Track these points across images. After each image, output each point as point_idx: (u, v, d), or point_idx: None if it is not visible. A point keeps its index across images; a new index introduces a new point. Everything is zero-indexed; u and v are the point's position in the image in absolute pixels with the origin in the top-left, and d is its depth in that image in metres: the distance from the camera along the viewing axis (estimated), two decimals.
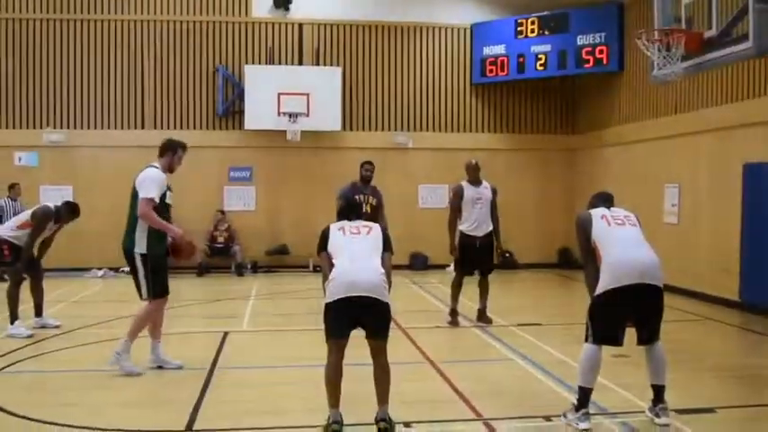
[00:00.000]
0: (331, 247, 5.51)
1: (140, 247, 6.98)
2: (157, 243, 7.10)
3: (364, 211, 9.37)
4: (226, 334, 8.98)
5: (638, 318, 5.56)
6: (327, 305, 5.27)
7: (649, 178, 13.73)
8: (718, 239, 11.64)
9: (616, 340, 5.51)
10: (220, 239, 15.60)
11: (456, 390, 6.52)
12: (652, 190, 13.47)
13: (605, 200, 6.02)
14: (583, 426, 5.40)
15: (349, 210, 5.93)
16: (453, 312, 9.79)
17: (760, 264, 10.34)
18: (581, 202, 16.58)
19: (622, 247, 5.56)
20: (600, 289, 5.52)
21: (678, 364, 7.21)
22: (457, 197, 9.73)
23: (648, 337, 5.58)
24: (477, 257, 9.69)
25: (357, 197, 9.45)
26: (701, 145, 12.21)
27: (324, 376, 5.33)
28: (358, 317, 5.24)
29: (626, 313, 5.52)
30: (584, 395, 5.48)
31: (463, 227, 9.71)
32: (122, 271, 15.34)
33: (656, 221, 12.64)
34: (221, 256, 15.57)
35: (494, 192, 9.84)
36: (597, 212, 5.82)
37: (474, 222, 9.65)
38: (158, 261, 7.13)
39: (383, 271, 5.39)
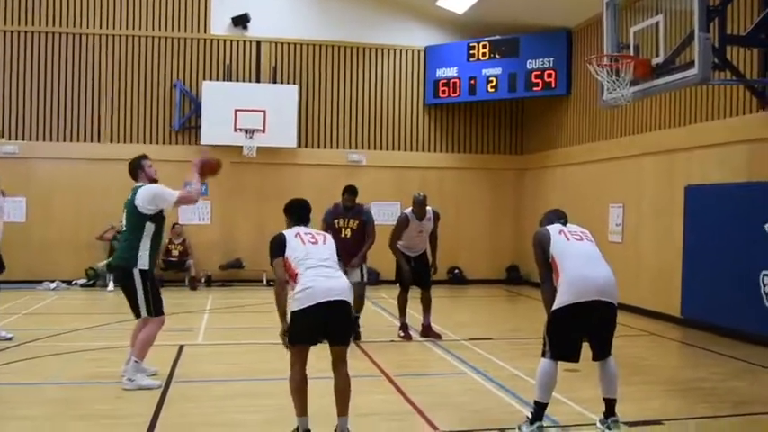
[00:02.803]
0: (291, 252, 5.46)
1: (143, 263, 7.07)
2: (156, 258, 7.30)
3: (342, 235, 9.48)
4: (181, 347, 9.00)
5: (593, 333, 5.71)
6: (302, 311, 5.25)
7: (595, 198, 14.14)
8: (660, 258, 12.06)
9: (573, 356, 5.66)
10: (175, 253, 15.57)
11: (411, 403, 6.64)
12: (597, 209, 13.88)
13: (560, 216, 6.14)
14: None
15: (300, 209, 5.87)
16: (404, 326, 10.01)
17: (700, 281, 10.75)
18: (529, 220, 17.08)
19: (581, 262, 5.65)
20: (558, 304, 5.61)
21: (627, 377, 7.52)
22: (400, 229, 9.93)
23: (603, 352, 5.75)
24: (414, 273, 9.97)
25: (336, 221, 9.64)
26: (645, 167, 12.65)
27: (289, 386, 5.40)
28: (330, 321, 5.31)
29: (583, 329, 5.65)
30: (540, 409, 5.66)
31: (399, 245, 10.00)
32: (75, 283, 15.27)
33: (601, 240, 12.89)
34: (175, 270, 15.53)
35: (436, 219, 10.08)
36: (555, 228, 5.89)
37: (410, 247, 10.04)
38: (154, 277, 7.28)
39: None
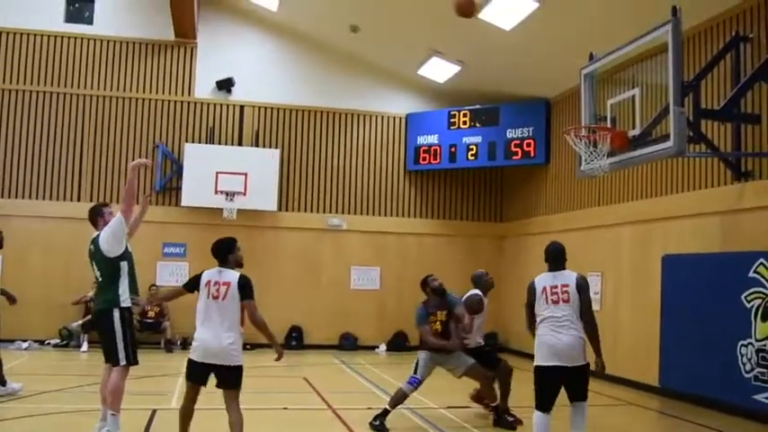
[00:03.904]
0: (199, 294, 6.46)
1: (124, 299, 7.11)
2: (136, 291, 7.33)
3: (433, 329, 8.79)
4: (154, 411, 8.83)
5: (566, 386, 6.65)
6: (190, 360, 6.45)
7: (573, 266, 13.97)
8: (638, 327, 12.07)
9: (545, 408, 6.58)
10: (151, 314, 15.39)
11: None
12: None
13: (554, 260, 7.01)
14: None
15: (216, 252, 6.63)
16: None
17: (678, 351, 10.74)
18: (508, 287, 17.09)
19: (549, 329, 6.63)
20: (535, 360, 6.70)
21: None
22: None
23: (574, 397, 6.69)
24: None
25: (430, 319, 8.87)
26: (623, 236, 12.78)
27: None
28: (213, 373, 6.40)
29: (552, 386, 6.62)
30: None
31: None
32: (48, 344, 15.00)
33: None
34: (151, 332, 15.34)
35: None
36: (540, 284, 6.85)
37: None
38: (132, 321, 7.31)
39: (233, 337, 6.33)
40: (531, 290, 6.88)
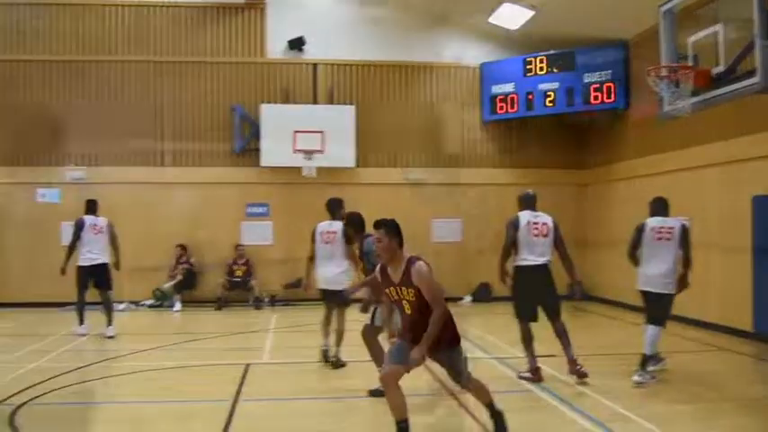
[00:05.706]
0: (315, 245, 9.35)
1: None
2: None
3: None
4: (248, 366, 9.11)
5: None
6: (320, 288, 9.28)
7: None
8: (729, 270, 11.76)
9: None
10: (238, 273, 15.81)
11: (477, 420, 6.64)
12: None
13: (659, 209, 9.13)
14: None
15: (330, 207, 9.39)
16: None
17: None
18: (592, 235, 16.82)
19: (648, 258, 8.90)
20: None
21: (698, 395, 7.40)
22: None
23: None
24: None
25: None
26: (709, 178, 12.39)
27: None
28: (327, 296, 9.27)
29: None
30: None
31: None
32: (143, 304, 15.60)
33: None
34: (239, 290, 15.78)
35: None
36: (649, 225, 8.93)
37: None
38: None
39: (341, 269, 9.11)
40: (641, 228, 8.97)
